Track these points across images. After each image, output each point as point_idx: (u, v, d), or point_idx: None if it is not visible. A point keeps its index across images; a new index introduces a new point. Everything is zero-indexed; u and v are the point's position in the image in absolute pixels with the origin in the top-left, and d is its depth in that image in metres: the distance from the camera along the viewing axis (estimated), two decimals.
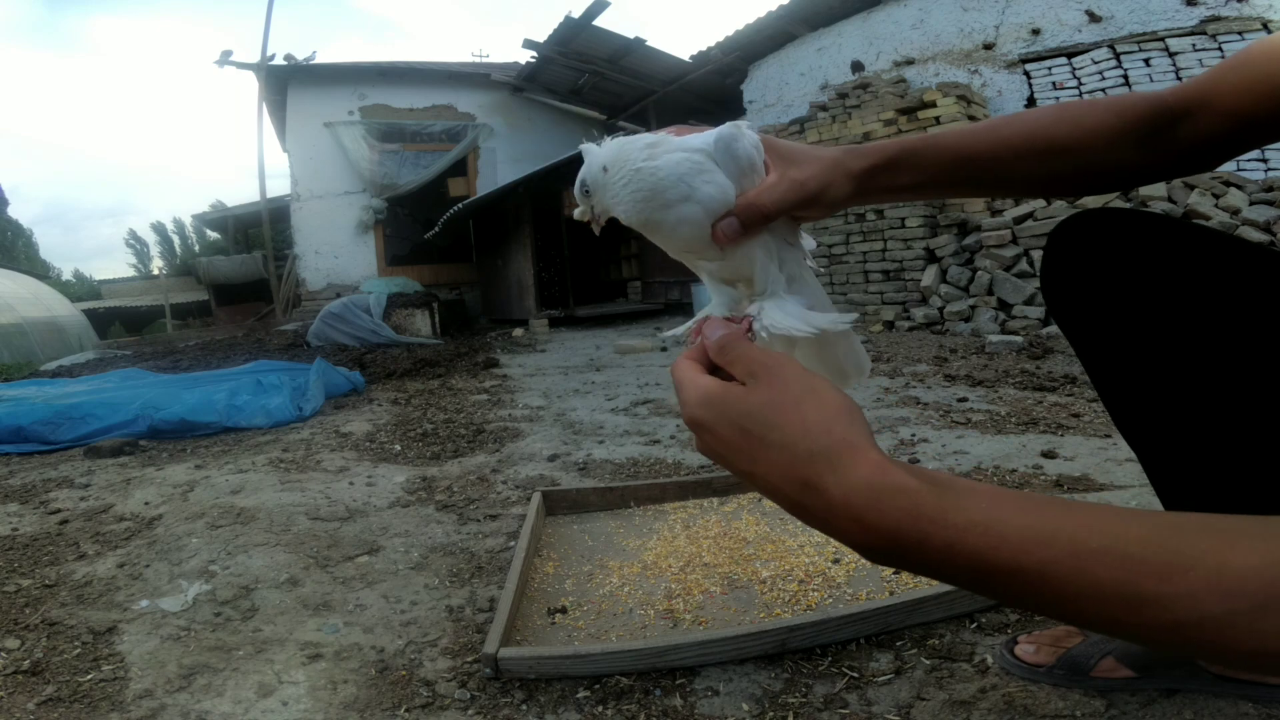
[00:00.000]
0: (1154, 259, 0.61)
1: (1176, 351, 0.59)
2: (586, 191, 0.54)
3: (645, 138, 0.53)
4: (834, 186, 0.54)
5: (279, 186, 10.67)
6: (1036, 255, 4.52)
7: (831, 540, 1.25)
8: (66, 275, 28.78)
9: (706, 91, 9.13)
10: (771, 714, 0.80)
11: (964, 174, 0.58)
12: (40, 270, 20.52)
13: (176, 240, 28.51)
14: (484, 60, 10.98)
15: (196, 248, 25.39)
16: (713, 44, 8.19)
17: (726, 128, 0.52)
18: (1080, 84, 5.33)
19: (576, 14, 7.44)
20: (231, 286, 14.32)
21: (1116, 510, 0.31)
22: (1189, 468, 0.62)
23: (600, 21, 7.59)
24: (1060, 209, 4.68)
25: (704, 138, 0.52)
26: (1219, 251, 0.58)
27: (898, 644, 0.92)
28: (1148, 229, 0.62)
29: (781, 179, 0.52)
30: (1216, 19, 4.82)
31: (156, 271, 25.31)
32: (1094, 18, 5.29)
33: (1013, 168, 0.58)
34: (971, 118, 5.42)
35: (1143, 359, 0.62)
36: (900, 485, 0.34)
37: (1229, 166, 4.67)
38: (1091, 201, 3.89)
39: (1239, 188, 4.39)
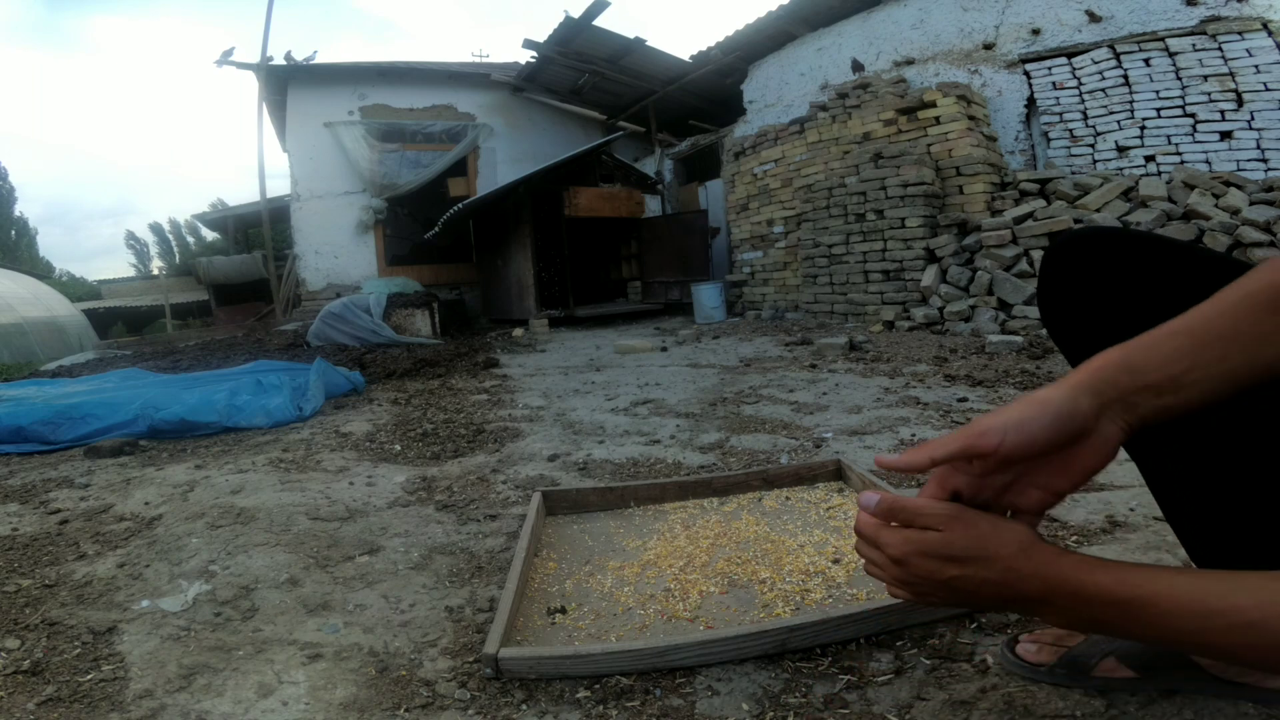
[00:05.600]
0: (1146, 278, 0.62)
1: None
2: None
3: None
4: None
5: (279, 186, 10.68)
6: (1036, 255, 4.52)
7: (831, 540, 1.25)
8: (67, 277, 28.72)
9: (706, 91, 9.13)
10: (771, 714, 0.80)
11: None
12: (42, 270, 20.50)
13: (174, 240, 28.45)
14: (484, 60, 10.98)
15: (194, 248, 25.36)
16: (713, 44, 8.19)
17: None
18: (1080, 84, 5.33)
19: (576, 14, 7.44)
20: (231, 286, 14.31)
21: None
22: (1192, 482, 0.63)
23: (600, 21, 7.59)
24: (1060, 209, 4.69)
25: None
26: (1209, 270, 0.59)
27: (898, 644, 0.92)
28: (1139, 249, 0.64)
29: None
30: (1216, 19, 4.81)
31: (156, 271, 25.28)
32: (1094, 18, 5.29)
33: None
34: (971, 118, 5.42)
35: None
36: (1061, 550, 0.53)
37: (1228, 166, 4.68)
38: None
39: (1239, 188, 4.39)
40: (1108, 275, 0.65)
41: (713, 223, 8.31)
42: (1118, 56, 5.12)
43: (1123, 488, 1.48)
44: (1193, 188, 4.45)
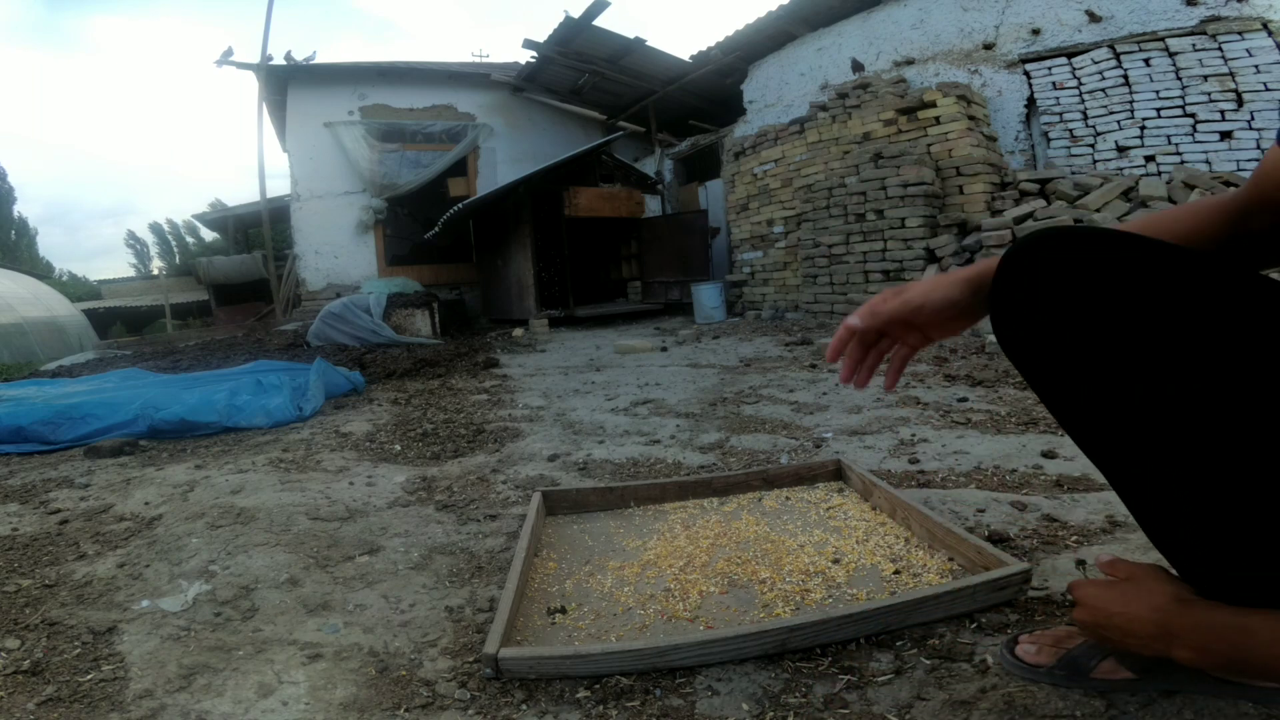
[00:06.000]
0: (1112, 279, 0.58)
1: (1135, 374, 0.58)
2: None
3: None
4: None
5: (279, 186, 10.69)
6: None
7: (831, 540, 1.25)
8: (66, 277, 28.64)
9: (706, 91, 9.13)
10: (771, 714, 0.80)
11: None
12: (42, 270, 20.48)
13: (173, 240, 28.39)
14: (484, 60, 10.98)
15: (194, 248, 25.33)
16: (713, 44, 8.19)
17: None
18: (1080, 84, 5.33)
19: (576, 14, 7.45)
20: (231, 286, 14.32)
21: None
22: (1160, 489, 0.63)
23: (600, 21, 7.59)
24: (1060, 209, 4.68)
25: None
26: (1178, 267, 0.58)
27: (898, 644, 0.92)
28: (1106, 248, 0.60)
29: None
30: (1216, 19, 4.81)
31: (156, 271, 25.24)
32: (1094, 18, 5.29)
33: None
34: (971, 118, 5.42)
35: (1101, 385, 0.61)
36: (1195, 599, 0.66)
37: (1228, 166, 4.68)
38: None
39: (1239, 188, 4.38)
40: (1072, 284, 0.59)
41: (713, 223, 8.31)
42: (1118, 56, 5.12)
43: None
44: (1193, 188, 4.45)
